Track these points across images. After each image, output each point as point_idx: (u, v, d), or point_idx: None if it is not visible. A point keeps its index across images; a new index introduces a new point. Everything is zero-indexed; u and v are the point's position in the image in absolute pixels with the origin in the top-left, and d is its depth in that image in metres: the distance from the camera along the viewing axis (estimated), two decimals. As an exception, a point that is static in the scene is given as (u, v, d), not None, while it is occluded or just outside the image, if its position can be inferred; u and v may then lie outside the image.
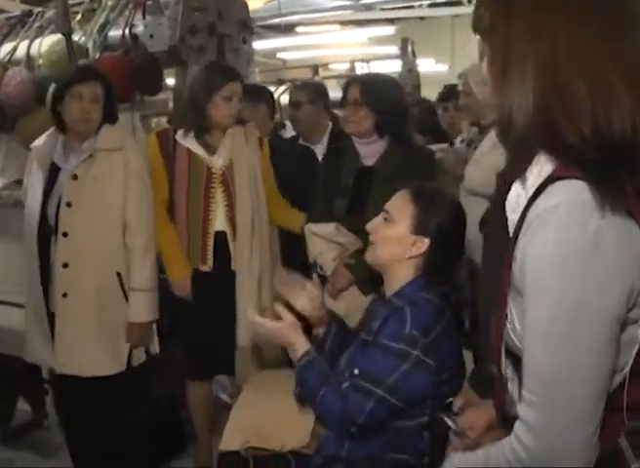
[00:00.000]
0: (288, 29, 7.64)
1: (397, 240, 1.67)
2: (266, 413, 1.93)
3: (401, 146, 2.46)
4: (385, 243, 1.69)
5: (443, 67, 9.95)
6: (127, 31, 3.20)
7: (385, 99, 2.41)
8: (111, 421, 2.50)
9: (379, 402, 1.57)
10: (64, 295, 2.42)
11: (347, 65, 7.55)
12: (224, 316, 2.64)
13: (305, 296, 1.77)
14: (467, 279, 2.30)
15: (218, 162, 2.62)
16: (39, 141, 2.54)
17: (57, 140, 2.51)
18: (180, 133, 2.63)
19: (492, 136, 2.38)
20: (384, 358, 1.58)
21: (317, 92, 3.37)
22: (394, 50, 9.01)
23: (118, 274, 2.46)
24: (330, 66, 8.59)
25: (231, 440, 1.91)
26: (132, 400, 2.58)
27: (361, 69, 6.91)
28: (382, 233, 1.70)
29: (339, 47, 8.80)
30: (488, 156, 2.40)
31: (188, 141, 2.62)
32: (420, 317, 1.59)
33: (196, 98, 2.58)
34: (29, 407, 3.31)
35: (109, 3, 3.31)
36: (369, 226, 1.74)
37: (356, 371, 1.62)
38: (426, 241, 1.67)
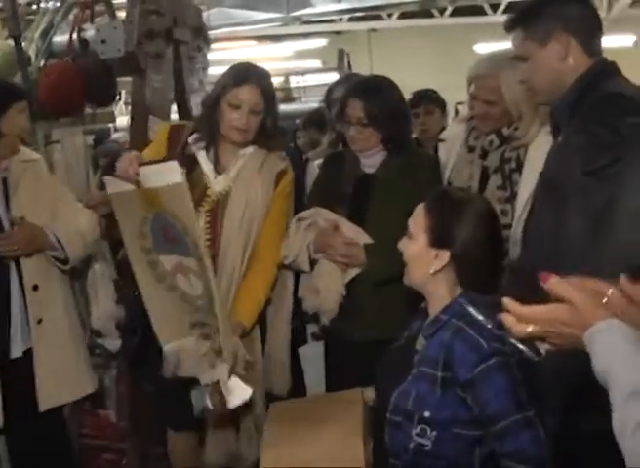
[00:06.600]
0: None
1: (420, 256, 1.59)
2: (309, 450, 1.62)
3: (401, 153, 2.30)
4: (413, 261, 1.61)
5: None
6: (75, 36, 2.86)
7: (391, 114, 2.24)
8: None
9: (534, 422, 1.42)
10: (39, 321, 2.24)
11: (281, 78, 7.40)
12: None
13: None
14: None
15: (218, 185, 2.17)
16: None
17: None
18: (193, 136, 2.20)
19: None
20: (494, 383, 1.43)
21: None
22: (318, 64, 8.98)
23: None
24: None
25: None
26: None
27: (296, 83, 6.77)
28: (407, 251, 1.62)
29: (263, 61, 8.62)
30: None
31: (198, 150, 2.19)
32: (483, 331, 1.49)
33: (205, 103, 2.21)
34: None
35: (51, 5, 2.95)
36: (399, 246, 1.65)
37: (427, 414, 1.47)
38: (447, 253, 1.55)
